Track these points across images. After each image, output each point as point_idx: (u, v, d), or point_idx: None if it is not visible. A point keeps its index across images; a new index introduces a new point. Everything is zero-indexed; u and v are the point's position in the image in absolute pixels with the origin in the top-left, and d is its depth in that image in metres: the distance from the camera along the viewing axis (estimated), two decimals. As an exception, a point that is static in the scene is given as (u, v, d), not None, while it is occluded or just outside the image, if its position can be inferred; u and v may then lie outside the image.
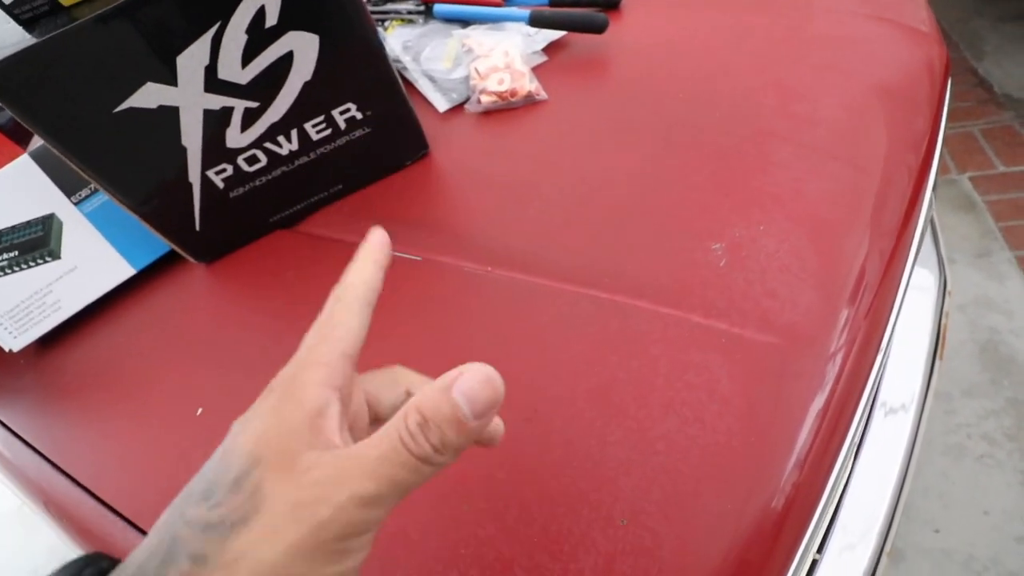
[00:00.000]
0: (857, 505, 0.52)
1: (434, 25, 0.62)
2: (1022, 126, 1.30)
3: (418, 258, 0.43)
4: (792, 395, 0.31)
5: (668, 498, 0.28)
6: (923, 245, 0.70)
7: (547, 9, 0.57)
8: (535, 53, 0.57)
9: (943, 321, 0.66)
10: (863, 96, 0.46)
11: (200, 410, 0.39)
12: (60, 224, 0.49)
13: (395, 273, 0.43)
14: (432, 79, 0.57)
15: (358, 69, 0.43)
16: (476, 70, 0.53)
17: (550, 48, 0.58)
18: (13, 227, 0.48)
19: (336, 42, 0.41)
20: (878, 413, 0.58)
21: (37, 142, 0.63)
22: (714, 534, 0.28)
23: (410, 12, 0.63)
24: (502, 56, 0.54)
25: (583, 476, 0.30)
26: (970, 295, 1.03)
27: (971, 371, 0.94)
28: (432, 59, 0.59)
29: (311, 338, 0.19)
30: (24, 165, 0.47)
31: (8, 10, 0.35)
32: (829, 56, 0.49)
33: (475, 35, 0.56)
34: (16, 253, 0.48)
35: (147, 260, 0.50)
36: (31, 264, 0.49)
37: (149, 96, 0.38)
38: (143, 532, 0.35)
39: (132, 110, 0.38)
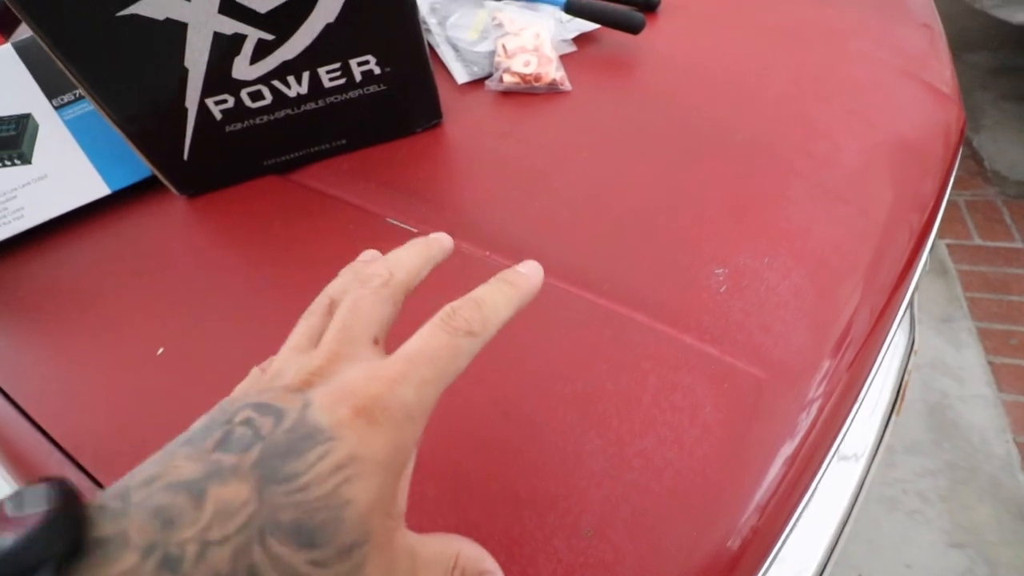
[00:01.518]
0: (798, 545, 0.53)
1: (465, -9, 0.60)
2: (1004, 204, 1.35)
3: (414, 230, 0.42)
4: (768, 435, 0.31)
5: (636, 516, 0.28)
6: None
7: (596, 3, 0.55)
8: (565, 41, 0.55)
9: (905, 379, 0.68)
10: (882, 147, 0.46)
11: (161, 350, 0.37)
12: (36, 127, 0.45)
13: (389, 242, 0.42)
14: (455, 48, 0.55)
15: (386, 21, 0.41)
16: (504, 47, 0.52)
17: (580, 39, 0.56)
18: (-18, 120, 0.44)
19: (367, -13, 0.38)
20: (831, 459, 0.60)
21: (23, 32, 0.58)
22: (672, 560, 0.28)
23: (443, -27, 0.60)
24: (532, 38, 0.52)
25: (554, 481, 0.29)
26: (928, 357, 1.07)
27: (917, 429, 0.98)
28: (458, 27, 0.56)
29: (426, 368, 0.17)
30: (5, 57, 0.43)
31: None
32: (855, 102, 0.49)
33: (508, 11, 0.54)
34: (-17, 148, 0.44)
35: (125, 182, 0.47)
36: (-4, 163, 0.45)
37: (158, 5, 0.35)
38: (79, 466, 0.33)
39: (137, 17, 0.35)
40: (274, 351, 0.22)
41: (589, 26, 0.56)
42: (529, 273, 0.20)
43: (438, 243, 0.22)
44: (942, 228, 1.30)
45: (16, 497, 0.11)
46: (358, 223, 0.43)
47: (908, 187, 0.45)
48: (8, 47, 0.44)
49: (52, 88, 0.45)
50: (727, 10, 0.59)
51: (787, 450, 0.31)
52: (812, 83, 0.51)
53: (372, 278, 0.19)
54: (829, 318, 0.36)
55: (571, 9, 0.55)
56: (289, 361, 0.17)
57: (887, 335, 0.40)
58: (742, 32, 0.56)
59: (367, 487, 0.13)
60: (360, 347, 0.17)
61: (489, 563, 0.18)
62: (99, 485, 0.32)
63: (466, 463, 0.30)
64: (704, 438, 0.30)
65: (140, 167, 0.47)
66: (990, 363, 1.05)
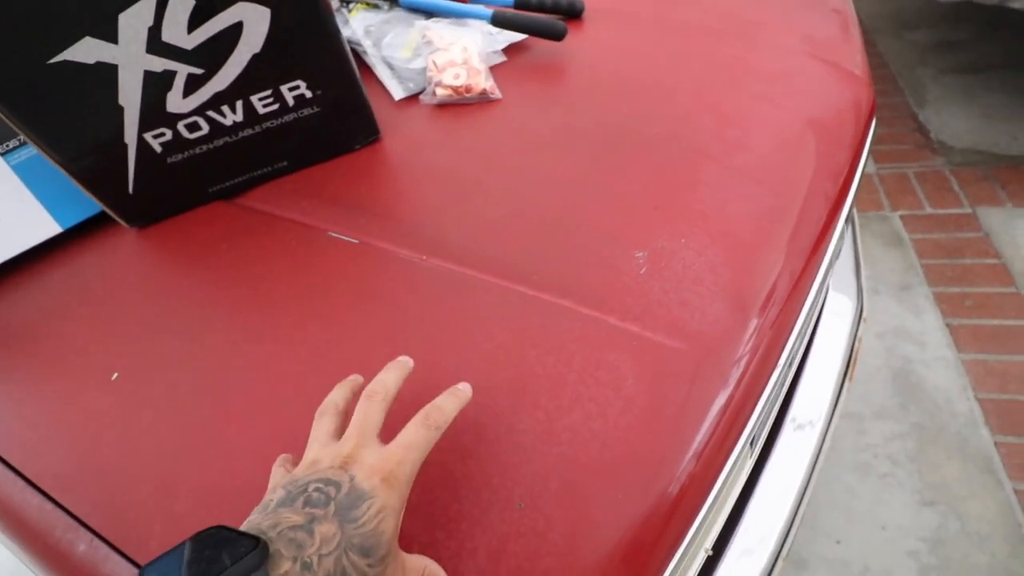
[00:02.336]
0: (759, 513, 0.56)
1: (398, 13, 0.62)
2: (951, 172, 1.40)
3: (355, 241, 0.44)
4: (691, 397, 0.33)
5: (565, 486, 0.30)
6: (844, 274, 0.75)
7: (509, 11, 0.58)
8: (494, 52, 0.58)
9: (856, 345, 0.71)
10: (792, 128, 0.49)
11: (116, 375, 0.38)
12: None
13: (332, 254, 0.44)
14: (391, 66, 0.57)
15: (311, 47, 0.43)
16: (434, 62, 0.54)
17: (510, 49, 0.59)
18: (-73, 172, 0.46)
19: (289, 17, 0.41)
20: (787, 428, 0.62)
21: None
22: (605, 520, 0.30)
23: (377, -3, 0.63)
24: (461, 51, 0.55)
25: (488, 461, 0.31)
26: (889, 325, 1.11)
27: (883, 395, 1.01)
28: (393, 46, 0.59)
29: (420, 456, 0.27)
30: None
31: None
32: (765, 88, 0.53)
33: (436, 28, 0.57)
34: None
35: (75, 219, 0.49)
36: (-56, 212, 0.46)
37: (87, 51, 0.37)
38: (41, 491, 0.34)
39: (68, 63, 0.37)
40: (222, 368, 0.25)
41: (517, 36, 0.59)
42: (466, 388, 0.31)
43: (406, 363, 0.32)
44: (896, 201, 1.35)
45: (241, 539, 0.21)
46: (302, 239, 0.45)
47: (821, 163, 0.48)
48: (-51, 100, 0.45)
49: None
50: (646, 11, 0.62)
51: (717, 404, 0.33)
52: (724, 74, 0.54)
53: (375, 395, 0.29)
54: (747, 287, 0.39)
55: (498, 22, 0.58)
56: (323, 451, 0.27)
57: (807, 295, 0.42)
58: (659, 31, 0.60)
59: (390, 523, 0.24)
60: (370, 439, 0.27)
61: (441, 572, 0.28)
62: (62, 508, 0.33)
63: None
64: (627, 409, 0.32)
65: (89, 204, 0.48)
66: (948, 325, 1.09)
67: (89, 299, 0.44)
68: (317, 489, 0.24)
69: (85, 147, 0.42)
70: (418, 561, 0.27)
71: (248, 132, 0.46)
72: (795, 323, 0.41)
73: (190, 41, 0.39)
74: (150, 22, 0.37)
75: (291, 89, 0.45)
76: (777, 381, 0.39)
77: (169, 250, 0.47)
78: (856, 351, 0.71)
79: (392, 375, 0.30)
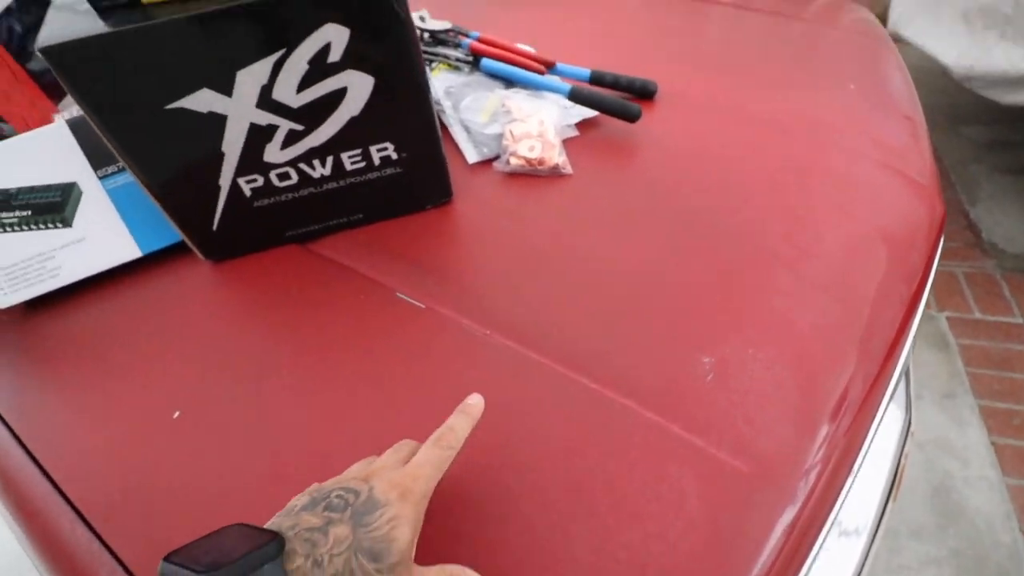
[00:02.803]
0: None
1: (478, 77, 0.65)
2: (1003, 277, 1.37)
3: (421, 305, 0.44)
4: (754, 525, 0.32)
5: (618, 607, 0.29)
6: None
7: (586, 87, 0.60)
8: (568, 126, 0.60)
9: (902, 461, 0.68)
10: (863, 239, 0.49)
11: (177, 413, 0.39)
12: (80, 194, 0.49)
13: (397, 315, 0.44)
14: (467, 129, 0.59)
15: (404, 114, 0.45)
16: (511, 132, 0.56)
17: (583, 123, 0.61)
18: (33, 188, 0.48)
19: (390, 87, 0.42)
20: (832, 532, 0.60)
21: (72, 104, 0.64)
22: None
23: (458, 60, 0.66)
24: (537, 124, 0.56)
25: (539, 570, 0.30)
26: (931, 435, 1.06)
27: (920, 512, 0.96)
28: (471, 109, 0.61)
29: (435, 469, 0.28)
30: (58, 131, 0.48)
31: (93, 3, 0.36)
32: (836, 192, 0.53)
33: (516, 98, 0.59)
34: (29, 213, 0.48)
35: (156, 246, 0.51)
36: (41, 227, 0.49)
37: (202, 101, 0.39)
38: (85, 522, 0.34)
39: (182, 110, 0.39)
40: (286, 415, 0.25)
41: (591, 112, 0.61)
42: (477, 403, 0.32)
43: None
44: (943, 300, 1.32)
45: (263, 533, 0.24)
46: (370, 294, 0.46)
47: (889, 278, 0.48)
48: (62, 123, 0.48)
49: (98, 160, 0.49)
50: (720, 100, 0.64)
51: (777, 534, 0.32)
52: (795, 174, 0.54)
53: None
54: (811, 410, 0.38)
55: (574, 97, 0.59)
56: (359, 465, 0.31)
57: (874, 417, 0.41)
58: (733, 122, 0.61)
59: (403, 532, 0.25)
60: (398, 464, 0.29)
61: (469, 571, 0.29)
62: (104, 545, 0.33)
63: (455, 546, 0.31)
64: (689, 533, 0.31)
65: (171, 233, 0.50)
66: (993, 444, 1.04)
67: (160, 327, 0.45)
68: (339, 496, 0.26)
69: (181, 184, 0.44)
70: (439, 568, 0.28)
71: (332, 185, 0.48)
72: (861, 447, 0.39)
73: (297, 100, 0.41)
74: (264, 81, 0.40)
75: (379, 150, 0.46)
76: (840, 506, 0.37)
77: (241, 286, 0.48)
78: (902, 468, 0.68)
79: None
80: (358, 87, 0.42)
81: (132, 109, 0.39)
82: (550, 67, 0.64)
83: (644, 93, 0.63)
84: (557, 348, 0.40)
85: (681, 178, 0.54)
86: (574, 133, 0.59)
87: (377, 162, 0.47)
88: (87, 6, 0.37)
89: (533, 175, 0.55)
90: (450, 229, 0.51)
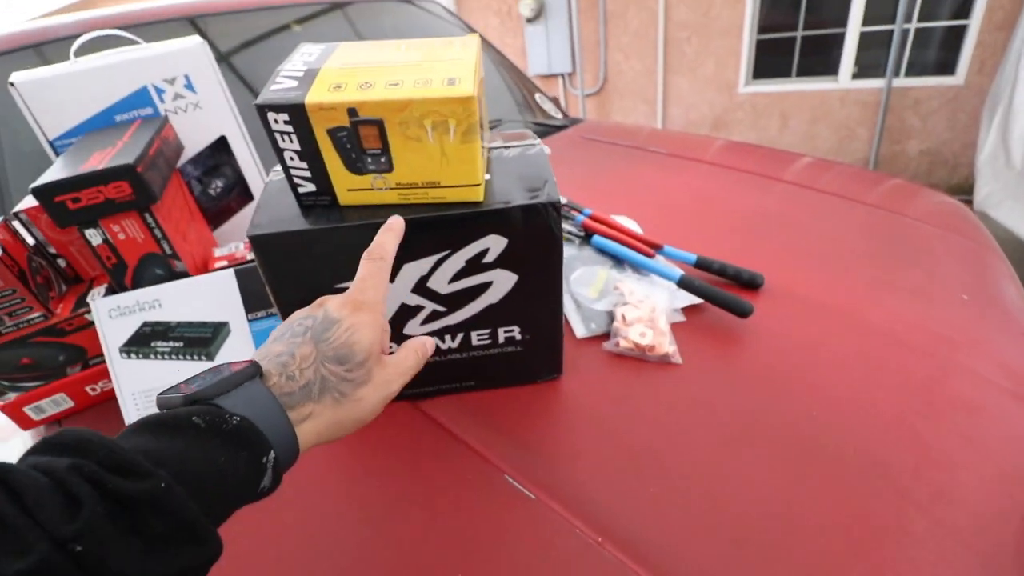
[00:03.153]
0: None
1: (588, 252, 0.69)
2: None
3: (532, 496, 0.44)
4: None
5: None
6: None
7: (697, 277, 0.63)
8: (676, 310, 0.62)
9: None
10: (1000, 484, 0.46)
11: (286, 586, 0.39)
12: (228, 333, 0.54)
13: (506, 502, 0.44)
14: (577, 303, 0.62)
15: (536, 304, 0.48)
16: (623, 316, 0.58)
17: (689, 308, 0.63)
18: (191, 323, 0.54)
19: (529, 283, 0.46)
20: None
21: (226, 225, 0.72)
22: None
23: (570, 233, 0.71)
24: (649, 310, 0.59)
25: None
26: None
27: None
28: (581, 283, 0.64)
29: (381, 287, 0.33)
30: (227, 277, 0.54)
31: (299, 199, 0.42)
32: (967, 424, 0.50)
33: (628, 281, 0.62)
34: (181, 344, 0.53)
35: (281, 387, 0.54)
36: (187, 358, 0.53)
37: (367, 285, 0.44)
38: None
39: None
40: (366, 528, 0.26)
41: (695, 299, 0.63)
42: (398, 221, 0.37)
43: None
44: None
45: (239, 363, 0.28)
46: (478, 471, 0.46)
47: (1033, 533, 0.44)
48: (231, 272, 0.54)
49: (251, 305, 0.55)
50: (828, 300, 0.64)
51: None
52: (921, 397, 0.53)
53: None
54: None
55: (685, 285, 0.62)
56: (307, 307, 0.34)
57: None
58: (845, 326, 0.61)
59: (362, 335, 0.30)
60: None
61: (424, 338, 0.38)
62: None
63: None
64: None
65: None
66: None
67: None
68: (299, 324, 0.30)
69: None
70: (404, 346, 0.35)
71: (455, 356, 0.50)
72: None
73: (447, 288, 0.45)
74: (424, 272, 0.44)
75: (506, 331, 0.49)
76: None
77: (349, 437, 0.50)
78: None
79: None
80: (502, 282, 0.46)
81: (304, 283, 0.43)
82: (657, 249, 0.68)
83: (751, 284, 0.65)
84: (673, 571, 0.39)
85: (795, 385, 0.54)
86: (681, 318, 0.61)
87: (501, 340, 0.50)
88: (292, 199, 0.43)
89: (641, 359, 0.56)
90: (558, 408, 0.52)
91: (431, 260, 0.43)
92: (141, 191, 0.51)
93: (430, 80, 0.36)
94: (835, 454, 0.47)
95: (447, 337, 0.49)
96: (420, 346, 0.36)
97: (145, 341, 0.53)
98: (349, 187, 0.41)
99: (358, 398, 0.29)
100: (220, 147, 0.69)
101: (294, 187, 0.41)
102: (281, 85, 0.37)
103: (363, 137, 0.37)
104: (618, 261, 0.67)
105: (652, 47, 2.71)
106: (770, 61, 2.60)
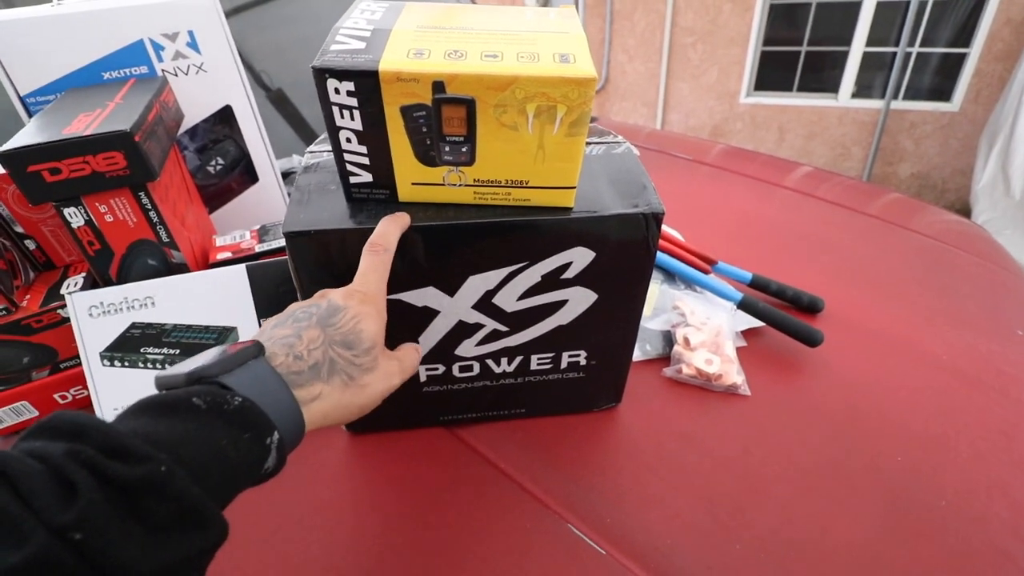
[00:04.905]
0: None
1: (638, 262, 0.63)
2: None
3: (602, 552, 0.38)
4: None
5: None
6: None
7: (762, 300, 0.57)
8: (736, 334, 0.56)
9: None
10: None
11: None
12: (235, 341, 0.46)
13: (572, 561, 0.38)
14: (630, 320, 0.56)
15: (609, 328, 0.42)
16: (686, 339, 0.52)
17: (747, 331, 0.57)
18: (191, 327, 0.45)
19: (611, 304, 0.39)
20: None
21: (224, 209, 0.63)
22: None
23: (617, 239, 0.64)
24: (713, 334, 0.53)
25: None
26: None
27: None
28: (631, 297, 0.58)
29: (380, 275, 0.31)
30: (237, 275, 0.46)
31: (348, 190, 0.34)
32: (1059, 479, 0.46)
33: (688, 301, 0.56)
34: (178, 352, 0.45)
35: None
36: (185, 368, 0.45)
37: (423, 297, 0.36)
38: None
39: (398, 302, 0.36)
40: None
41: (756, 321, 0.57)
42: (404, 214, 0.33)
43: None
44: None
45: (240, 343, 0.26)
46: (534, 519, 0.40)
47: None
48: (241, 268, 0.46)
49: (265, 308, 0.46)
50: (891, 331, 0.60)
51: None
52: (999, 441, 0.48)
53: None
54: None
55: (747, 307, 0.56)
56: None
57: None
58: (913, 361, 0.56)
59: (368, 324, 0.29)
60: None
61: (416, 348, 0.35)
62: None
63: None
64: None
65: (318, 397, 0.46)
66: None
67: (286, 488, 0.39)
68: (302, 312, 0.29)
69: (358, 362, 0.40)
70: (405, 344, 0.34)
71: (509, 381, 0.43)
72: None
73: (514, 306, 0.38)
74: (491, 287, 0.37)
75: (571, 355, 0.43)
76: None
77: (379, 463, 0.43)
78: None
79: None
80: (578, 301, 0.39)
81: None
82: (712, 264, 0.62)
83: (811, 309, 0.60)
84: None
85: (873, 424, 0.49)
86: (742, 343, 0.55)
87: (564, 365, 0.43)
88: (337, 184, 0.36)
89: (705, 388, 0.50)
90: (619, 442, 0.46)
91: (502, 273, 0.36)
92: (138, 165, 0.42)
93: (537, 55, 0.29)
94: (921, 507, 0.42)
95: (503, 360, 0.42)
96: (418, 349, 0.35)
97: (133, 346, 0.44)
98: (415, 180, 0.33)
99: (364, 384, 0.28)
100: (223, 118, 0.60)
101: (345, 175, 0.34)
102: (344, 46, 0.30)
103: (446, 120, 0.30)
104: (669, 276, 0.62)
105: (657, 50, 2.67)
106: (772, 74, 2.60)
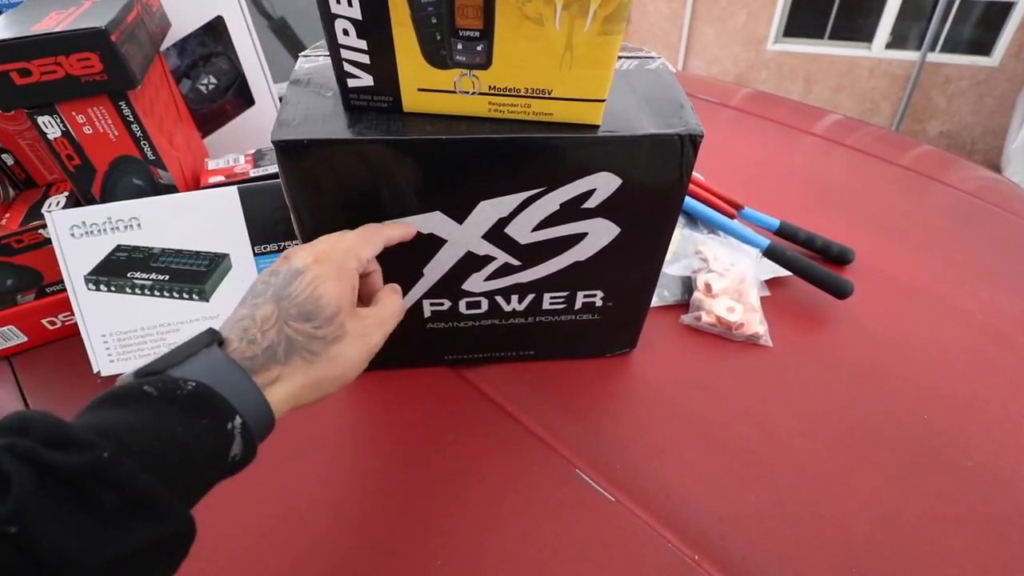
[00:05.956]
0: None
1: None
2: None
3: (611, 499, 0.36)
4: None
5: None
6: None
7: (790, 248, 0.54)
8: (760, 283, 0.53)
9: None
10: None
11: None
12: (228, 268, 0.43)
13: (580, 506, 0.36)
14: (648, 265, 0.53)
15: (630, 267, 0.38)
16: (708, 285, 0.49)
17: (771, 281, 0.54)
18: (180, 251, 0.42)
19: (634, 239, 0.36)
20: None
21: (219, 133, 0.59)
22: None
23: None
24: (737, 281, 0.50)
25: None
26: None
27: None
28: (650, 241, 0.55)
29: (357, 237, 0.29)
30: (228, 197, 0.42)
31: (346, 96, 0.30)
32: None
33: (712, 245, 0.53)
34: (167, 278, 0.42)
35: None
36: (174, 295, 0.42)
37: (429, 223, 0.33)
38: None
39: (401, 227, 0.33)
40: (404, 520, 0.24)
41: (782, 271, 0.54)
42: (413, 226, 0.33)
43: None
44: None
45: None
46: (541, 463, 0.38)
47: None
48: (233, 191, 0.42)
49: (259, 235, 0.43)
50: (924, 286, 0.56)
51: None
52: (1036, 407, 0.46)
53: (370, 230, 0.31)
54: None
55: (773, 255, 0.53)
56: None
57: None
58: (947, 319, 0.53)
59: (327, 288, 0.26)
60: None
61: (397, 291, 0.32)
62: None
63: None
64: None
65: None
66: None
67: (284, 422, 0.38)
68: (263, 283, 0.27)
69: (358, 293, 0.37)
70: (384, 294, 0.31)
71: (519, 321, 0.41)
72: None
73: (528, 238, 0.35)
74: (504, 214, 0.33)
75: (587, 295, 0.40)
76: None
77: (380, 401, 0.41)
78: None
79: (398, 229, 0.31)
80: (599, 235, 0.35)
81: (344, 212, 0.32)
82: (738, 210, 0.58)
83: (840, 260, 0.56)
84: (792, 610, 0.32)
85: (900, 382, 0.46)
86: (766, 292, 0.52)
87: (578, 306, 0.40)
88: (334, 91, 0.32)
89: (724, 337, 0.48)
90: (633, 389, 0.44)
91: (517, 199, 0.33)
92: (116, 69, 0.38)
93: (569, -71, 0.24)
94: (949, 465, 0.40)
95: (514, 298, 0.39)
96: (397, 289, 0.32)
97: (119, 270, 0.42)
98: (421, 85, 0.29)
99: (333, 356, 0.26)
100: (214, 32, 0.55)
101: (342, 77, 0.30)
102: (341, -87, 0.25)
103: (459, 8, 0.25)
104: (691, 219, 0.58)
105: (682, -11, 2.51)
106: (804, 19, 2.44)
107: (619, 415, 0.42)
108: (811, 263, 0.52)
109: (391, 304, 0.30)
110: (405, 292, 0.37)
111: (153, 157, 0.44)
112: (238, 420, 0.22)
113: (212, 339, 0.24)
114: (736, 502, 0.37)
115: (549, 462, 0.38)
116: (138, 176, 0.45)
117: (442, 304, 0.38)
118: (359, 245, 0.29)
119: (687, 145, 0.31)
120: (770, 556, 0.34)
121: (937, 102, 2.38)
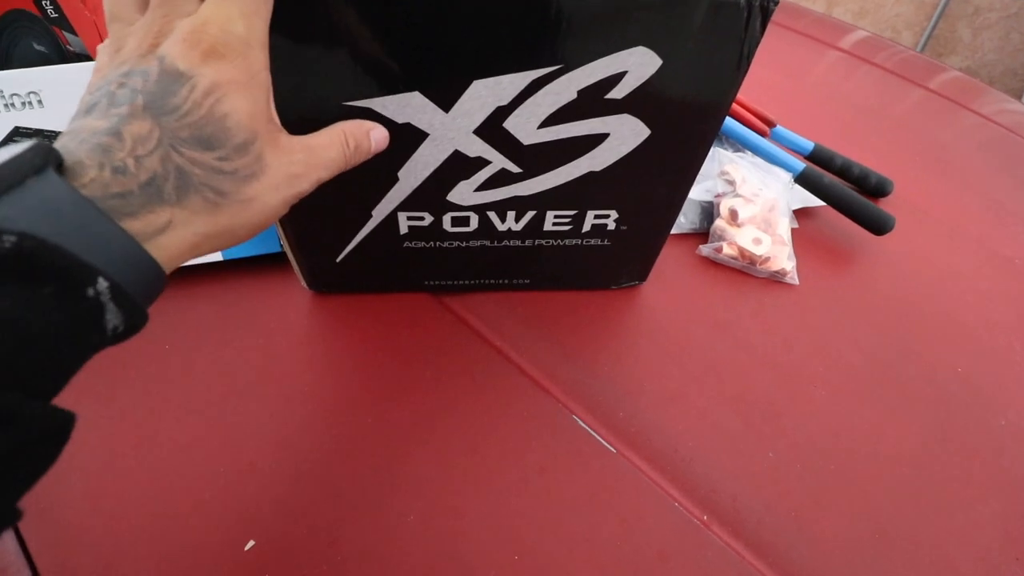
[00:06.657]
0: None
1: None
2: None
3: (612, 450, 0.32)
4: None
5: None
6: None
7: (827, 175, 0.47)
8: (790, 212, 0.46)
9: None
10: None
11: (251, 544, 0.26)
12: (158, 163, 0.35)
13: (577, 457, 0.32)
14: (663, 186, 0.46)
15: (656, 183, 0.31)
16: (733, 212, 0.42)
17: (800, 212, 0.48)
18: (94, 138, 0.34)
19: (665, 147, 0.29)
20: None
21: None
22: None
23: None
24: (765, 208, 0.43)
25: None
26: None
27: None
28: (667, 159, 0.47)
29: (247, 4, 0.19)
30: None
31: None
32: None
33: (741, 166, 0.45)
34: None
35: (239, 254, 0.37)
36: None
37: (405, 108, 0.25)
38: None
39: (369, 111, 0.25)
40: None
41: (815, 200, 0.47)
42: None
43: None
44: None
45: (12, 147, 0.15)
46: (534, 408, 0.33)
47: None
48: (160, 61, 0.33)
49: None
50: (965, 227, 0.51)
51: None
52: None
53: None
54: None
55: (806, 182, 0.46)
56: (125, 35, 0.19)
57: None
58: (983, 259, 0.48)
59: (237, 102, 0.18)
60: (185, 3, 0.19)
61: (368, 123, 0.23)
62: None
63: None
64: None
65: (268, 244, 0.36)
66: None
67: (233, 351, 0.32)
68: (121, 85, 0.18)
69: (316, 200, 0.30)
70: (330, 129, 0.22)
71: (514, 243, 0.34)
72: None
73: (532, 137, 0.27)
74: (504, 102, 0.26)
75: (598, 216, 0.33)
76: None
77: (342, 325, 0.35)
78: None
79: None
80: (624, 138, 0.28)
81: (296, 91, 0.24)
82: (771, 127, 0.50)
83: (877, 192, 0.49)
84: (803, 572, 0.28)
85: (936, 330, 0.42)
86: (794, 224, 0.46)
87: (586, 229, 0.34)
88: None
89: (746, 272, 0.42)
90: (640, 327, 0.38)
91: (523, 79, 0.25)
92: None
93: None
94: (983, 422, 0.37)
95: (510, 215, 0.32)
96: (357, 132, 0.23)
97: (19, 157, 0.33)
98: None
99: (246, 199, 0.18)
100: None
101: None
102: None
103: None
104: (721, 140, 0.50)
105: None
106: (834, -72, 2.20)
107: (623, 356, 0.36)
108: (851, 192, 0.45)
109: (333, 145, 0.22)
110: (375, 201, 0.30)
111: (56, 15, 0.34)
112: (102, 283, 0.15)
113: (45, 161, 0.15)
114: (751, 458, 0.33)
115: (542, 406, 0.33)
116: (38, 40, 0.35)
117: (422, 219, 0.31)
118: (257, 22, 0.19)
119: (755, 16, 0.23)
120: (787, 519, 0.30)
121: (961, 35, 2.23)
